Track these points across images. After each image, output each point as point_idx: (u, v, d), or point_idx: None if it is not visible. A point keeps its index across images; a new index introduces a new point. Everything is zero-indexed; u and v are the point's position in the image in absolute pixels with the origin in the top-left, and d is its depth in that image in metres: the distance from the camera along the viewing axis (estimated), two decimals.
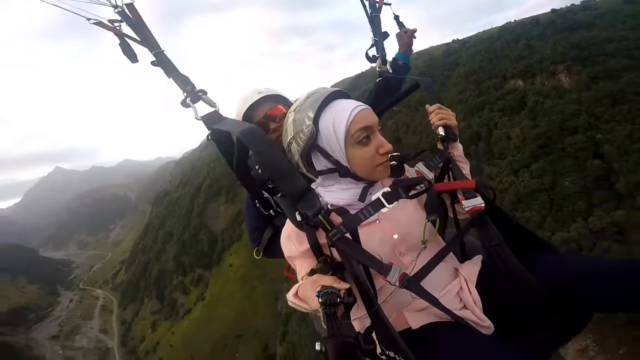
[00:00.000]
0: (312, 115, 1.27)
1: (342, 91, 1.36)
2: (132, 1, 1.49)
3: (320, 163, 1.33)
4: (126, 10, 1.49)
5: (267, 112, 1.92)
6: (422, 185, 1.33)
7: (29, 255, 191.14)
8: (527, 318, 1.27)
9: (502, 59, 56.36)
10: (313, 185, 1.40)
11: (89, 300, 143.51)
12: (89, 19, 1.44)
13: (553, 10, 66.19)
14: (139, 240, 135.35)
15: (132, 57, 1.53)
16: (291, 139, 1.32)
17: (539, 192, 37.93)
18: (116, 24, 1.49)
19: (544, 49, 50.85)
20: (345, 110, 1.27)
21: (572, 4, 66.12)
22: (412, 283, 1.18)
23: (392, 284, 1.17)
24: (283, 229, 1.38)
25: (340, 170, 1.31)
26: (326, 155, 1.30)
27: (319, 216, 1.19)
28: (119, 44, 1.51)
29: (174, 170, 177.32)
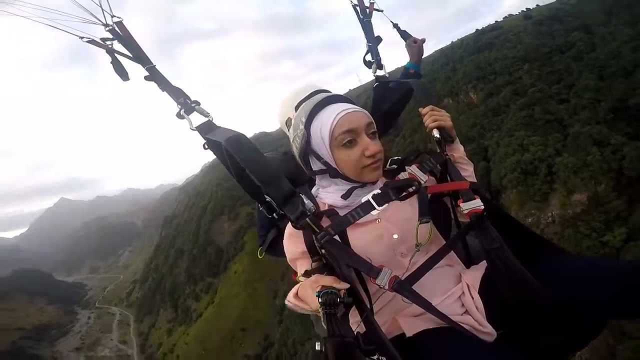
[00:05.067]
0: (304, 120, 1.31)
1: (338, 96, 1.37)
2: (120, 19, 1.51)
3: (315, 164, 1.37)
4: (116, 28, 1.51)
5: None
6: (414, 186, 1.30)
7: (45, 279, 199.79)
8: (532, 325, 1.19)
9: (437, 81, 66.72)
10: (315, 187, 1.47)
11: (106, 317, 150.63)
12: (81, 38, 1.46)
13: (476, 30, 73.28)
14: (151, 261, 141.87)
15: (124, 75, 1.54)
16: (292, 141, 1.39)
17: None
18: (108, 42, 1.50)
19: (460, 70, 62.18)
20: (331, 114, 1.28)
21: (496, 21, 73.07)
22: (403, 286, 1.14)
23: (381, 287, 1.14)
24: (285, 231, 1.40)
25: (330, 172, 1.34)
26: (318, 157, 1.34)
27: (306, 219, 1.20)
28: (111, 62, 1.52)
29: (179, 196, 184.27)
